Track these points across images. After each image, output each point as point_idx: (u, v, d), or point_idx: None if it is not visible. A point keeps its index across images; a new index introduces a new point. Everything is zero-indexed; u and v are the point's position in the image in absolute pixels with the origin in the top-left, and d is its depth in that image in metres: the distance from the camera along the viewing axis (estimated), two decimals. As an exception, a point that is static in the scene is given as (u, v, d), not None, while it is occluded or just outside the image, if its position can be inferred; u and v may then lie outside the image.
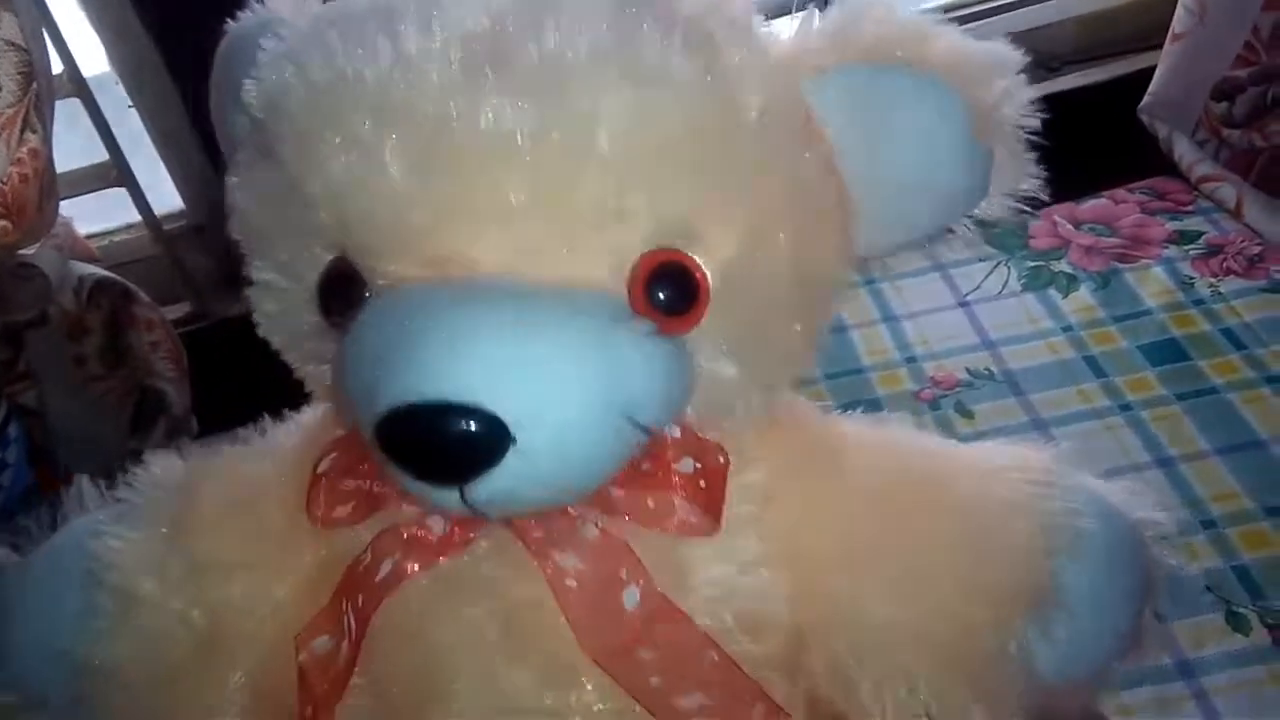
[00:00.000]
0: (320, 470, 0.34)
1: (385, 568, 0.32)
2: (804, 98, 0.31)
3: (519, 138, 0.27)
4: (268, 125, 0.31)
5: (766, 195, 0.30)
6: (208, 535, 0.36)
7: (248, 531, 0.36)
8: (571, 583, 0.31)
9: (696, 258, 0.30)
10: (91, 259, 0.80)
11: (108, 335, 0.77)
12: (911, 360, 0.75)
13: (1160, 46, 0.82)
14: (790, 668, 0.34)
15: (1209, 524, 0.60)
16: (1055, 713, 0.36)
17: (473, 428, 0.26)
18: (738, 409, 0.32)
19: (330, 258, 0.31)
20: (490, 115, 0.27)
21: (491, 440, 0.26)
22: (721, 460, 0.32)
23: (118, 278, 0.77)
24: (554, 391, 0.27)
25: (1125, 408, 0.68)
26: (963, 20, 0.90)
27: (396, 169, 0.28)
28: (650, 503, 0.31)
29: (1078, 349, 0.73)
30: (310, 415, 0.39)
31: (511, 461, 0.26)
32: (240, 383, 0.86)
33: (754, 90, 0.30)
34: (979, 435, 0.68)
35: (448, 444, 0.26)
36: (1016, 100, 0.32)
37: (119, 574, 0.35)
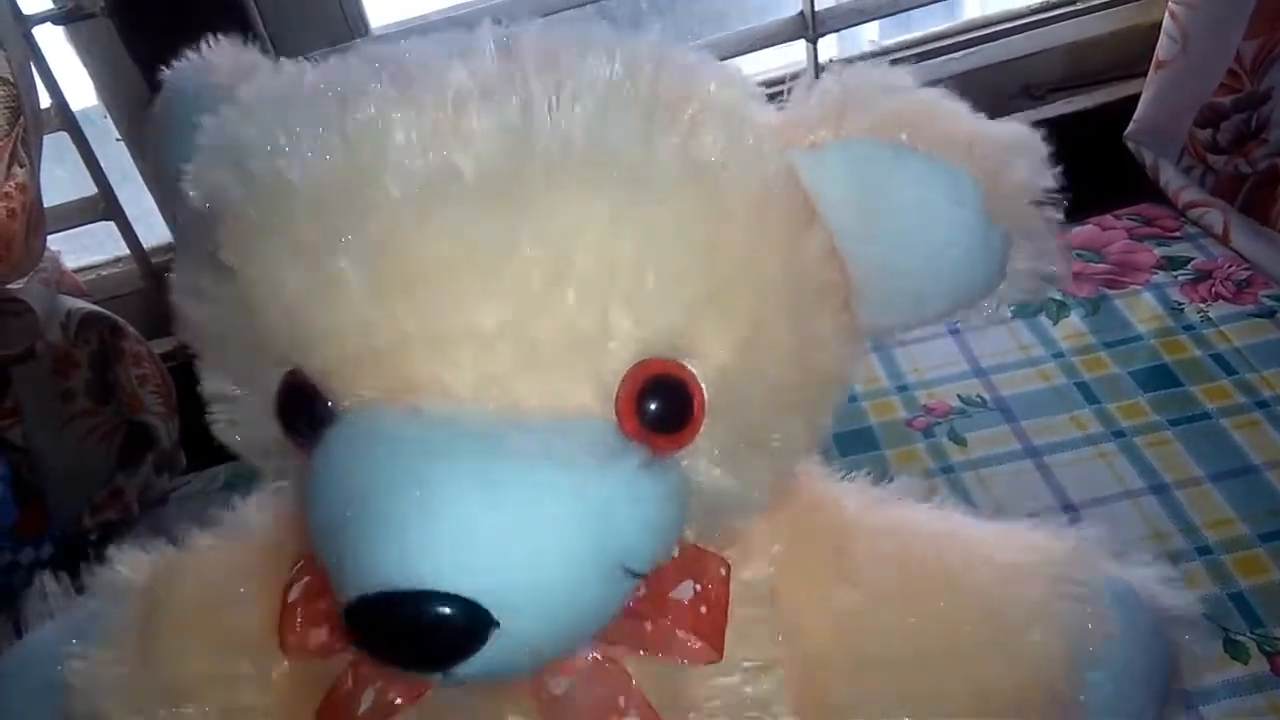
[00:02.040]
0: (291, 600, 0.31)
1: (368, 699, 0.30)
2: (799, 175, 0.29)
3: (486, 254, 0.25)
4: (209, 224, 0.28)
5: (762, 291, 0.28)
6: (176, 651, 0.33)
7: (220, 640, 0.33)
8: (567, 712, 0.29)
9: (689, 366, 0.27)
10: (80, 293, 0.80)
11: (96, 370, 0.76)
12: (903, 388, 0.75)
13: (1145, 74, 0.83)
14: None
15: (1204, 550, 0.60)
16: None
17: (450, 614, 0.23)
18: (737, 515, 0.30)
19: (286, 370, 0.28)
20: (453, 227, 0.25)
21: (472, 627, 0.24)
22: (723, 573, 0.30)
23: (106, 312, 0.76)
24: (538, 564, 0.24)
25: (1118, 434, 0.68)
26: (953, 49, 0.91)
27: (354, 286, 0.25)
28: (648, 628, 0.29)
29: (1069, 375, 0.73)
30: (275, 492, 0.36)
31: (496, 643, 0.24)
32: (229, 416, 0.86)
33: (743, 179, 0.27)
34: (972, 463, 0.68)
35: (424, 635, 0.24)
36: (1036, 185, 0.29)
37: (86, 699, 0.33)
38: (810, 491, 0.34)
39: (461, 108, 0.26)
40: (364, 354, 0.26)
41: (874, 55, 0.94)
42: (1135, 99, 0.84)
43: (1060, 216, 0.30)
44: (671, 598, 0.29)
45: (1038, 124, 0.90)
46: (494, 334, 0.25)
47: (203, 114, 0.29)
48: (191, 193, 0.28)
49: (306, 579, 0.31)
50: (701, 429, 0.27)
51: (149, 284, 0.84)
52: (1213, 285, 0.78)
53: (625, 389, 0.26)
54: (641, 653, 0.29)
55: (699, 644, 0.29)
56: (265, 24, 0.75)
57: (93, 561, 0.37)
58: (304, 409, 0.27)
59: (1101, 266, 0.82)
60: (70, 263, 0.83)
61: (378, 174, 0.25)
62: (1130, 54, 0.89)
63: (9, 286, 0.71)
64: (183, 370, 0.82)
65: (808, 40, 0.84)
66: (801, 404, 0.29)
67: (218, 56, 0.33)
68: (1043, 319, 0.79)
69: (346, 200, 0.25)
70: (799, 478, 0.34)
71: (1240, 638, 0.56)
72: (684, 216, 0.26)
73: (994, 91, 0.94)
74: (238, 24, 0.74)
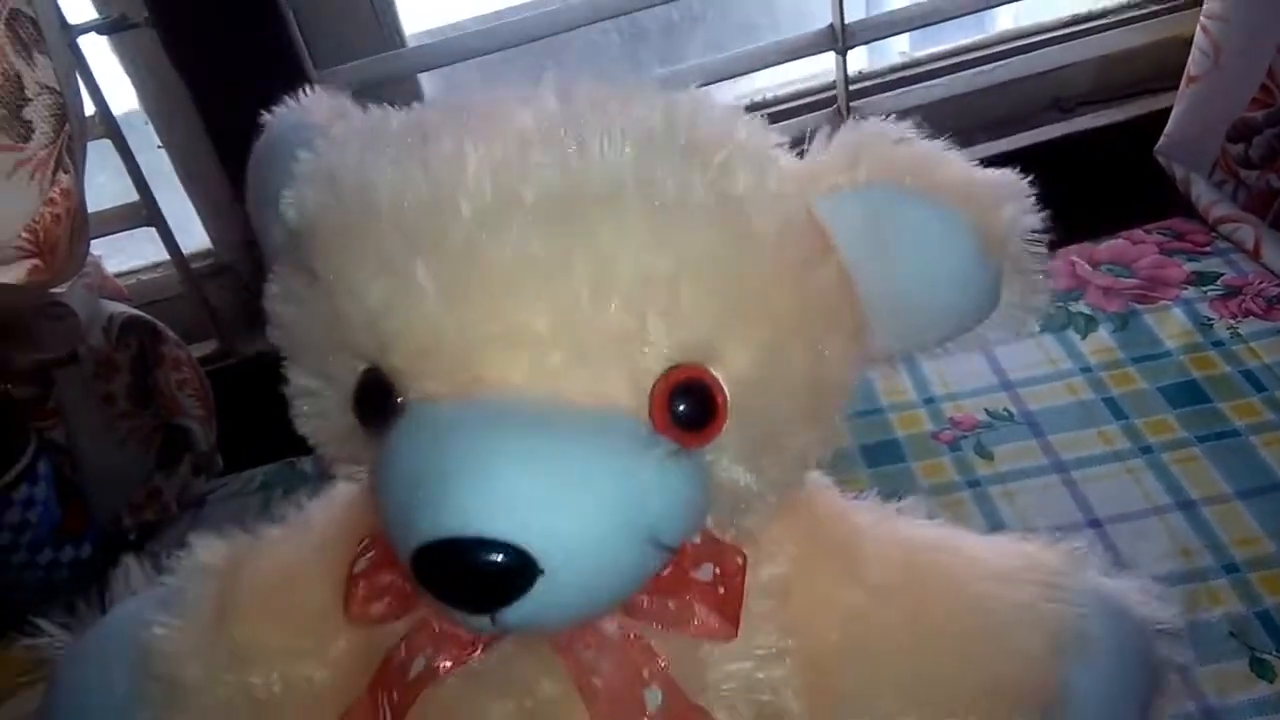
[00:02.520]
0: (357, 570, 0.35)
1: (419, 664, 0.33)
2: (817, 216, 0.33)
3: (543, 266, 0.29)
4: (304, 241, 0.32)
5: (781, 311, 0.31)
6: (248, 621, 0.37)
7: (286, 617, 0.37)
8: (597, 681, 0.32)
9: (715, 373, 0.31)
10: (121, 297, 0.82)
11: (136, 373, 0.78)
12: (930, 401, 0.76)
13: (1176, 88, 0.83)
14: None
15: (1231, 568, 0.60)
16: None
17: (502, 561, 0.27)
18: (753, 512, 0.33)
19: (364, 367, 0.32)
20: (517, 244, 0.29)
21: (521, 572, 0.27)
22: (740, 562, 0.33)
23: (146, 316, 0.78)
24: (579, 523, 0.28)
25: (1146, 450, 0.68)
26: (983, 61, 0.91)
27: (429, 294, 0.29)
28: (671, 606, 0.33)
29: (1097, 390, 0.73)
30: (343, 491, 0.40)
31: (540, 590, 0.28)
32: (265, 420, 0.87)
33: (768, 215, 0.31)
34: (999, 477, 0.68)
35: (479, 577, 0.27)
36: (1024, 224, 0.33)
37: (165, 662, 0.37)
38: (824, 504, 0.38)
39: (526, 145, 0.30)
40: (433, 351, 0.30)
41: (904, 67, 0.94)
42: (1166, 112, 0.84)
43: (1045, 253, 0.34)
44: (693, 576, 0.32)
45: (1068, 137, 0.91)
46: (547, 336, 0.29)
47: (300, 149, 0.34)
48: (290, 213, 0.33)
49: (372, 553, 0.35)
50: (724, 429, 0.31)
51: (188, 289, 0.85)
52: (1243, 301, 0.78)
53: (658, 390, 0.30)
54: (664, 628, 0.33)
55: (717, 621, 0.32)
56: (302, 32, 0.77)
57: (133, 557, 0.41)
58: (378, 403, 0.31)
59: (1131, 281, 0.82)
60: (110, 267, 0.85)
61: (453, 197, 0.29)
62: (1162, 67, 0.89)
63: (53, 291, 0.72)
64: (220, 375, 0.83)
65: (837, 52, 0.85)
66: (813, 414, 0.33)
67: (314, 103, 0.38)
68: (1071, 333, 0.79)
69: (424, 219, 0.29)
70: (814, 493, 0.37)
71: (1266, 656, 0.56)
72: (714, 243, 0.30)
73: (1024, 104, 0.94)
74: (276, 33, 0.75)
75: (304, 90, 0.39)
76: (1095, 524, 0.64)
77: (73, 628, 0.39)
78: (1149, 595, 0.36)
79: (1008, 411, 0.73)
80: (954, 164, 0.33)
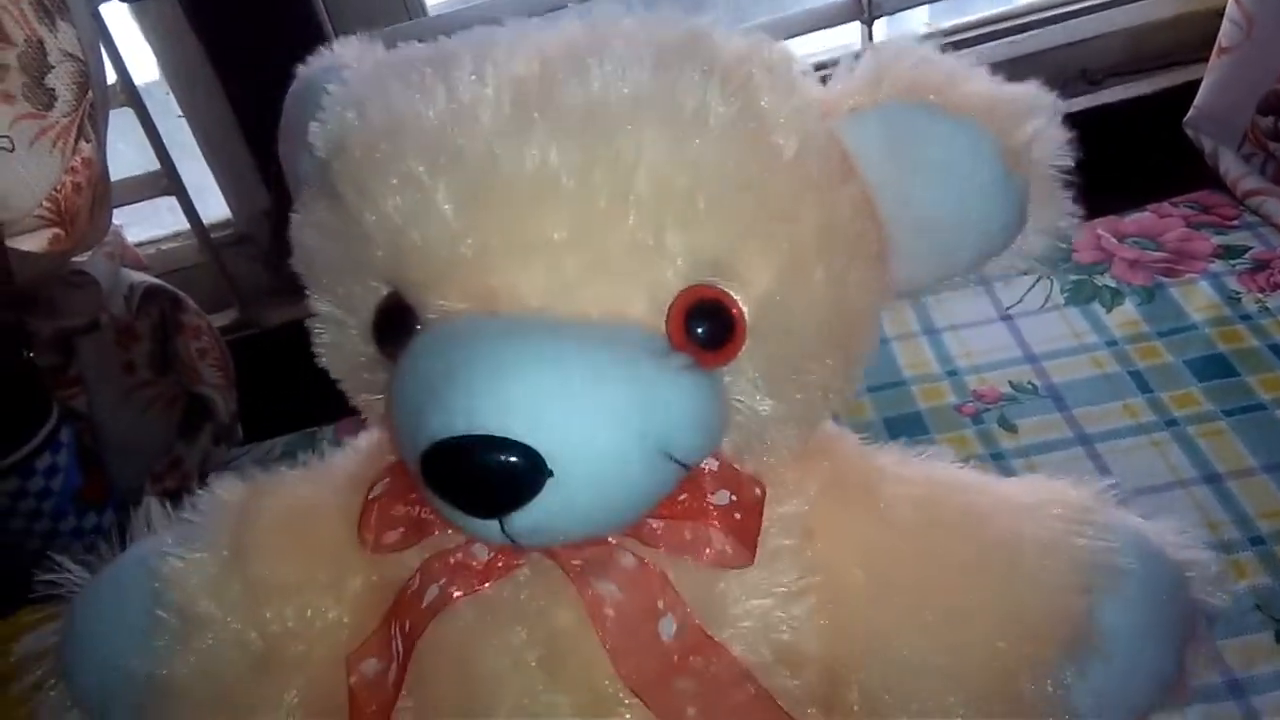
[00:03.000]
0: (372, 496, 0.35)
1: (431, 593, 0.33)
2: (839, 137, 0.33)
3: (562, 177, 0.29)
4: (330, 165, 0.33)
5: (801, 232, 0.31)
6: (264, 557, 0.37)
7: (302, 554, 0.37)
8: (610, 611, 0.31)
9: (733, 293, 0.31)
10: (141, 267, 0.82)
11: (156, 342, 0.78)
12: (953, 374, 0.75)
13: (1206, 59, 0.82)
14: (827, 703, 0.34)
15: (1257, 541, 0.60)
16: None
17: (511, 460, 0.27)
18: (775, 443, 0.33)
19: (385, 291, 0.32)
20: (535, 155, 0.29)
21: (529, 473, 0.27)
22: (758, 493, 0.33)
23: (167, 285, 0.78)
24: (589, 426, 0.28)
25: (1171, 423, 0.68)
26: (1010, 32, 0.90)
27: (447, 206, 0.30)
28: (687, 534, 0.32)
29: (1122, 364, 0.73)
30: (365, 440, 0.40)
31: (549, 494, 0.27)
32: (285, 389, 0.87)
33: (788, 132, 0.31)
34: (1022, 450, 0.68)
35: (487, 476, 0.27)
36: (1049, 139, 0.33)
37: (180, 594, 0.37)
38: (846, 448, 0.37)
39: (548, 63, 0.30)
40: (452, 263, 0.30)
41: (928, 38, 0.93)
42: (1195, 85, 0.83)
43: (1070, 173, 0.33)
44: (710, 501, 0.32)
45: (1096, 109, 0.90)
46: (563, 245, 0.29)
47: (329, 84, 0.35)
48: (318, 142, 0.33)
49: (388, 479, 0.35)
50: (742, 350, 0.31)
51: (208, 258, 0.85)
52: (1271, 275, 0.77)
53: (676, 308, 0.30)
54: (680, 554, 0.32)
55: (733, 547, 0.32)
56: (325, 2, 0.76)
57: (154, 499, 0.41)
58: (397, 328, 0.32)
59: (1158, 254, 0.81)
60: (130, 237, 0.85)
61: (472, 111, 0.30)
62: (1191, 39, 0.88)
63: (75, 260, 0.72)
64: (240, 344, 0.84)
65: (863, 22, 0.84)
66: (834, 342, 0.33)
67: (345, 48, 0.38)
68: (1096, 306, 0.78)
69: (444, 133, 0.30)
70: (836, 439, 0.37)
71: (1293, 629, 0.55)
72: (732, 157, 0.30)
73: (1051, 76, 0.92)
74: (297, 2, 0.75)
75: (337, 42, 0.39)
76: (1120, 497, 0.63)
77: (93, 566, 0.39)
78: (1183, 539, 0.35)
79: (1031, 384, 0.73)
80: (977, 80, 0.33)
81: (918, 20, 0.94)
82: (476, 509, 0.29)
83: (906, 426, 0.71)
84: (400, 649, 0.33)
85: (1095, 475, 0.62)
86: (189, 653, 0.36)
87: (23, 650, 0.38)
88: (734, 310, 0.31)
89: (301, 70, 0.39)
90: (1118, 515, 0.35)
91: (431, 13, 0.83)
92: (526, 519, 0.28)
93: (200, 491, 0.40)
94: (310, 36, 0.76)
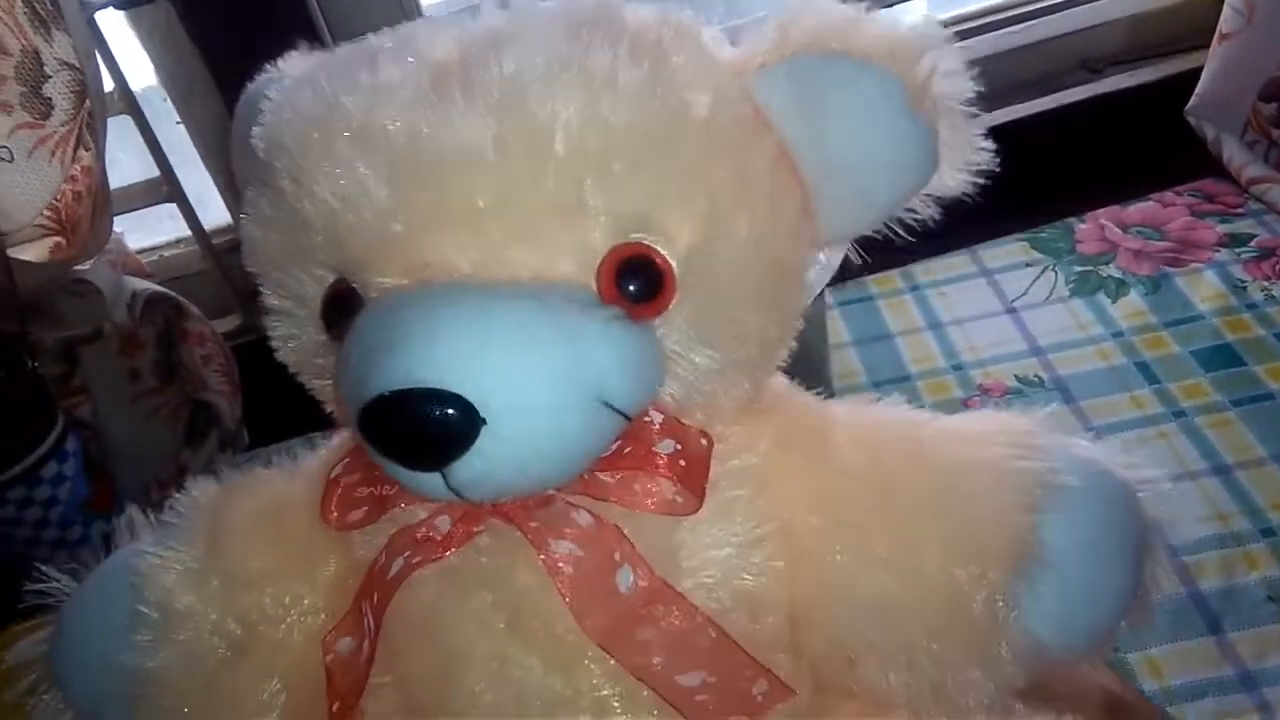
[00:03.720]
0: (333, 475, 0.36)
1: (397, 565, 0.34)
2: (751, 93, 0.34)
3: (483, 147, 0.30)
4: (269, 161, 0.34)
5: (719, 185, 0.32)
6: (239, 549, 0.38)
7: (275, 544, 0.38)
8: (567, 568, 0.33)
9: (659, 248, 0.32)
10: (143, 274, 0.82)
11: (161, 350, 0.78)
12: (959, 368, 0.75)
13: (1207, 46, 0.81)
14: (795, 649, 0.35)
15: (1268, 532, 0.60)
16: (1074, 687, 0.38)
17: (445, 412, 0.28)
18: (716, 395, 0.34)
19: (331, 279, 0.34)
20: (456, 129, 0.30)
21: (463, 422, 0.28)
22: (704, 443, 0.34)
23: (170, 293, 0.78)
24: (519, 374, 0.29)
25: (1179, 414, 0.67)
26: (1010, 22, 0.90)
27: (377, 186, 0.31)
28: (636, 485, 0.33)
29: (1129, 355, 0.73)
30: (336, 439, 0.41)
31: (485, 443, 0.29)
32: (289, 394, 0.87)
33: (699, 90, 0.32)
34: (1030, 443, 0.68)
35: (422, 426, 0.28)
36: (945, 71, 0.34)
37: (160, 589, 0.38)
38: (798, 402, 0.38)
39: (466, 46, 0.32)
40: (387, 240, 0.31)
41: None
42: (1197, 72, 0.83)
43: (973, 108, 0.35)
44: (655, 450, 0.33)
45: (1097, 98, 0.89)
46: (489, 212, 0.31)
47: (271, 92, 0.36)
48: (258, 144, 0.35)
49: (347, 459, 0.36)
50: (673, 302, 0.32)
51: (210, 265, 0.85)
52: (1276, 263, 0.77)
53: (605, 267, 0.31)
54: (631, 506, 0.33)
55: (680, 494, 0.33)
56: (321, 7, 0.76)
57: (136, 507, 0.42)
58: (343, 309, 0.33)
59: (1162, 244, 0.81)
60: (130, 244, 0.85)
61: (396, 95, 0.31)
62: (1192, 26, 0.87)
63: (77, 269, 0.72)
64: (243, 350, 0.83)
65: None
66: (764, 292, 0.34)
67: (290, 61, 0.40)
68: (1101, 297, 0.78)
69: (370, 118, 0.31)
70: (787, 395, 0.38)
71: (1305, 620, 0.55)
72: (646, 117, 0.31)
73: (1052, 65, 0.93)
74: (293, 7, 0.74)
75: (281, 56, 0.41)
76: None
77: (79, 574, 0.40)
78: (1130, 459, 0.36)
79: (1038, 377, 0.73)
80: (875, 24, 0.34)
81: (917, 12, 0.93)
82: (415, 461, 0.30)
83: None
84: (371, 624, 0.34)
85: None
86: (171, 645, 0.37)
87: (15, 658, 0.40)
88: (659, 263, 0.32)
89: (248, 86, 0.41)
90: (1061, 439, 0.35)
91: (426, 13, 0.83)
92: (467, 470, 0.29)
93: (177, 495, 0.41)
94: (306, 41, 0.75)
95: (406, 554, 0.34)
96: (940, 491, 0.34)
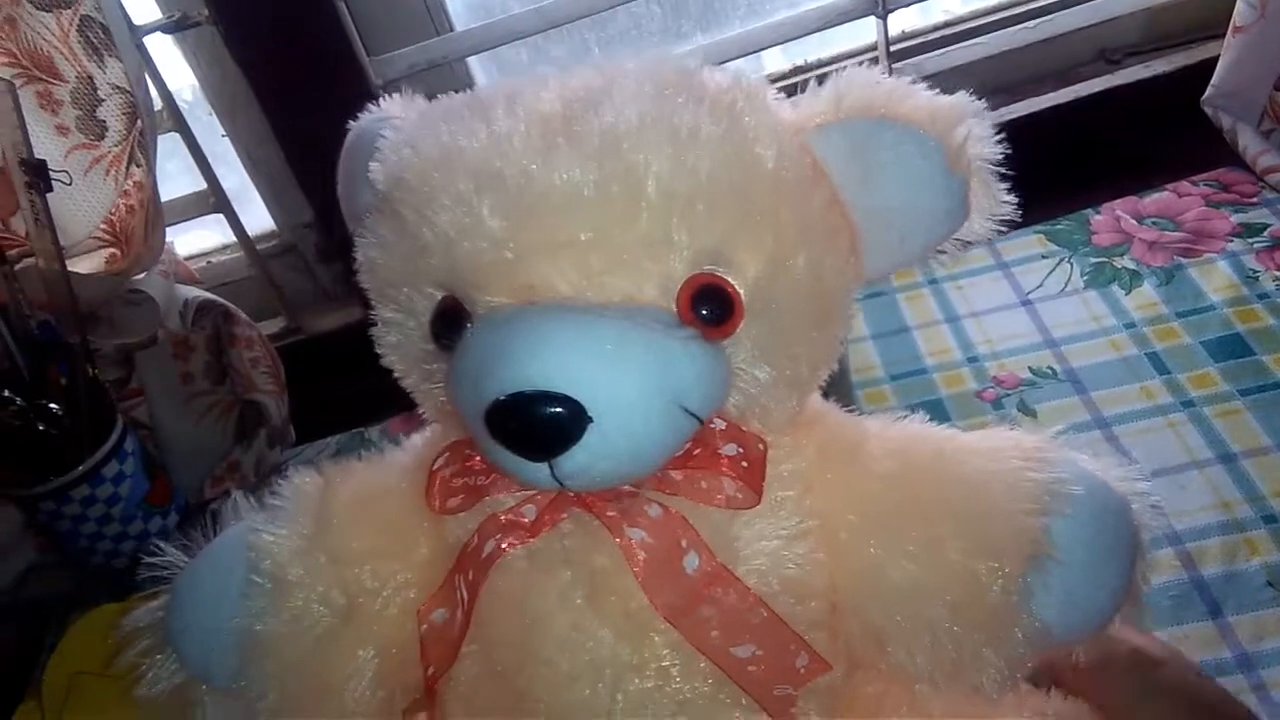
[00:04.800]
0: (435, 468, 0.41)
1: (489, 547, 0.39)
2: (810, 148, 0.39)
3: (584, 190, 0.35)
4: (390, 194, 0.39)
5: (783, 226, 0.37)
6: (343, 530, 0.43)
7: (375, 526, 0.43)
8: (640, 553, 0.37)
9: (730, 279, 0.37)
10: (193, 281, 0.86)
11: (211, 353, 0.82)
12: (974, 360, 0.77)
13: (1223, 36, 0.82)
14: (833, 629, 0.40)
15: (1270, 519, 0.61)
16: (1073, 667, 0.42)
17: (559, 410, 0.33)
18: (771, 407, 0.39)
19: (440, 295, 0.39)
20: (562, 174, 0.36)
21: (574, 419, 0.33)
22: (761, 447, 0.39)
23: (219, 299, 0.82)
24: (620, 380, 0.33)
25: (1188, 404, 0.69)
26: (1028, 16, 0.91)
27: (491, 220, 0.36)
28: (702, 483, 0.38)
29: (1140, 346, 0.74)
30: (420, 438, 0.46)
31: (590, 437, 0.33)
32: (333, 392, 0.91)
33: (768, 145, 0.38)
34: (1041, 434, 0.70)
35: (540, 423, 0.33)
36: (981, 139, 0.39)
37: (273, 563, 0.42)
38: (835, 418, 0.44)
39: (568, 101, 0.38)
40: (497, 266, 0.36)
41: (947, 25, 0.95)
42: (1213, 62, 0.84)
43: (1000, 165, 0.39)
44: (720, 453, 0.38)
45: (1114, 90, 0.90)
46: (588, 245, 0.36)
47: (382, 134, 0.42)
48: (378, 178, 0.41)
49: (447, 454, 0.41)
50: (740, 326, 0.37)
51: (256, 270, 0.89)
52: (1290, 253, 0.78)
53: (683, 293, 0.36)
54: (698, 502, 0.38)
55: (742, 491, 0.38)
56: (355, 22, 0.79)
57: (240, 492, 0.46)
58: (452, 325, 0.38)
59: (1176, 235, 0.82)
60: (180, 250, 0.89)
61: (509, 141, 0.36)
62: (1209, 16, 0.88)
63: (132, 279, 0.77)
64: (289, 351, 0.88)
65: (877, 16, 0.85)
66: (815, 320, 0.39)
67: (390, 105, 0.45)
68: (1115, 289, 0.79)
69: (486, 160, 0.36)
70: (827, 411, 0.44)
71: (1302, 605, 0.57)
72: (723, 167, 0.36)
73: (1069, 57, 0.94)
74: (330, 25, 0.78)
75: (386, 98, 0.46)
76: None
77: (189, 549, 0.44)
78: (1126, 472, 0.40)
79: (1051, 369, 0.75)
80: (919, 95, 0.39)
81: (934, 11, 0.95)
82: (533, 452, 0.34)
83: (928, 414, 0.72)
84: (465, 596, 0.39)
85: (1113, 459, 0.66)
86: (282, 612, 0.41)
87: (130, 623, 0.44)
88: (731, 292, 0.37)
89: (354, 124, 0.46)
90: (1066, 454, 0.40)
91: (458, 28, 0.86)
92: (572, 461, 0.34)
93: (280, 481, 0.45)
94: (342, 57, 0.79)
95: (497, 536, 0.39)
96: (962, 496, 0.39)
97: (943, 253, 0.42)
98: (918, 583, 0.38)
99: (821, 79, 0.40)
